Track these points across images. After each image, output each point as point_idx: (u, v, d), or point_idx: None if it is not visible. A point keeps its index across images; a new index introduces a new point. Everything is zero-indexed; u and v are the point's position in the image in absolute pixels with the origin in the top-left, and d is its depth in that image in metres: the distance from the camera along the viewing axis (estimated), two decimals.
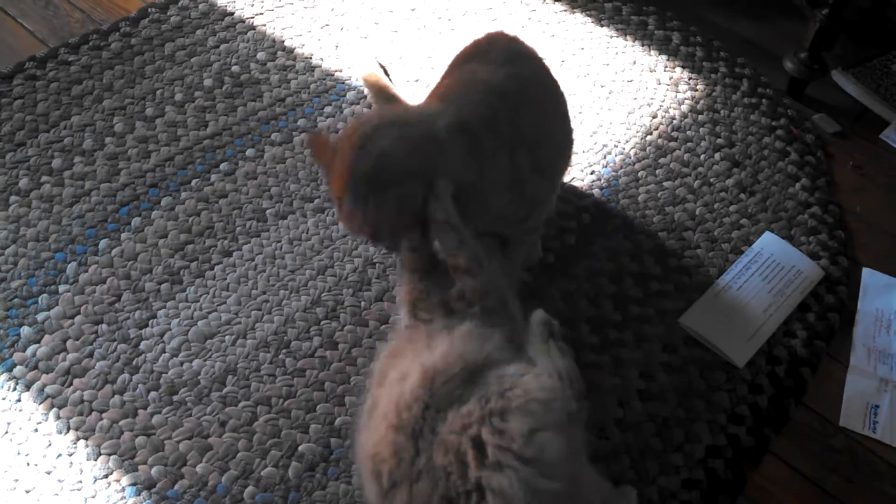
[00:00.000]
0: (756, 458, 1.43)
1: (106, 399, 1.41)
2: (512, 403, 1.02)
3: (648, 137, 1.91)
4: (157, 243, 1.62)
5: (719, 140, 1.92)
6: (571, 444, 1.04)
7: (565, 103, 1.49)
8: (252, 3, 2.12)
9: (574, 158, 1.82)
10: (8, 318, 1.50)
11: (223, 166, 1.76)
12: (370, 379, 1.15)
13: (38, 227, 1.62)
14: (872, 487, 1.41)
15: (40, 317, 1.50)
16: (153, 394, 1.42)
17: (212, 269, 1.60)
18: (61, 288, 1.54)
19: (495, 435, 1.00)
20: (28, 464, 1.33)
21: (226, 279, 1.58)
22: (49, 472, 1.32)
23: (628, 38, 2.16)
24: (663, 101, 2.00)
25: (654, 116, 1.96)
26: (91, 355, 1.46)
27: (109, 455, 1.34)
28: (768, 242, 1.72)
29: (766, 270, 1.66)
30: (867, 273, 1.71)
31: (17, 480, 1.30)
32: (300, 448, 1.37)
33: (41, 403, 1.39)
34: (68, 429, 1.37)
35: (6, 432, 1.36)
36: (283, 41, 2.04)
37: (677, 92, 2.03)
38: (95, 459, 1.34)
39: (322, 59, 2.01)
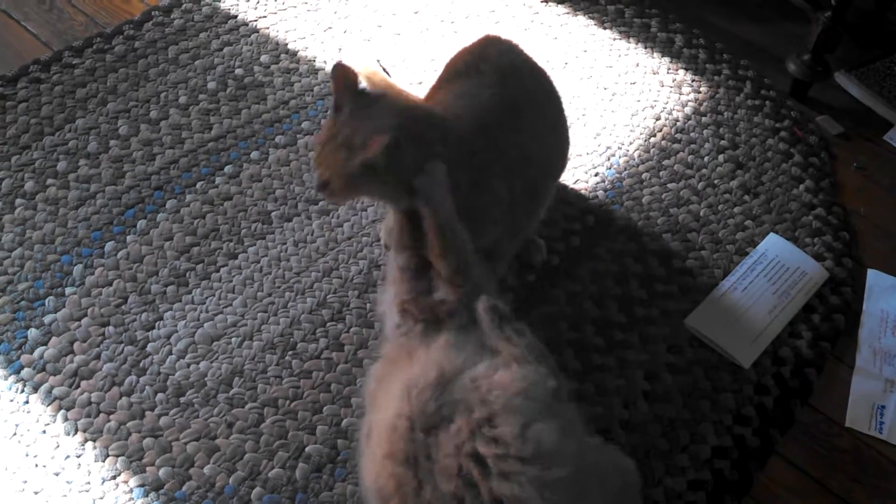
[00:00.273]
0: (762, 458, 1.43)
1: (113, 401, 1.41)
2: (495, 406, 1.01)
3: (652, 139, 1.92)
4: (162, 246, 1.62)
5: (723, 142, 1.93)
6: (564, 421, 1.04)
7: (564, 124, 1.51)
8: (255, 7, 2.13)
9: (578, 160, 1.83)
10: (15, 320, 1.50)
11: (228, 169, 1.76)
12: (364, 400, 1.15)
13: (44, 230, 1.62)
14: (878, 487, 1.42)
15: (47, 319, 1.50)
16: (160, 395, 1.42)
17: (217, 271, 1.60)
18: (68, 290, 1.54)
19: (490, 445, 0.99)
20: (36, 465, 1.33)
21: (231, 281, 1.58)
22: (57, 474, 1.32)
23: (631, 40, 2.17)
24: (667, 103, 2.01)
25: (658, 118, 1.96)
26: (98, 357, 1.46)
27: (117, 456, 1.34)
28: (773, 244, 1.72)
29: (771, 272, 1.66)
30: (872, 274, 1.71)
31: (25, 482, 1.31)
32: (307, 449, 1.37)
33: (49, 405, 1.39)
34: (76, 430, 1.37)
35: (14, 434, 1.36)
36: (287, 44, 2.04)
37: (680, 94, 2.03)
38: (103, 461, 1.34)
39: (325, 62, 2.01)
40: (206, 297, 1.56)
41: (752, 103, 2.03)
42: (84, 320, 1.51)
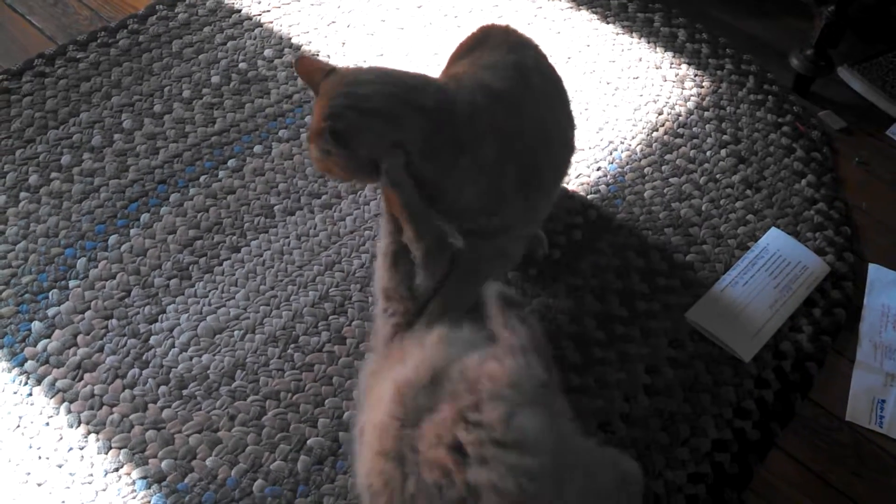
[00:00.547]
0: (762, 452, 1.43)
1: (116, 393, 1.42)
2: (482, 395, 1.00)
3: (654, 134, 1.92)
4: (165, 239, 1.63)
5: (725, 136, 1.93)
6: (551, 412, 1.03)
7: (570, 113, 1.49)
8: (259, 1, 2.13)
9: (580, 154, 1.83)
10: (19, 313, 1.51)
11: (231, 163, 1.77)
12: (357, 400, 1.16)
13: (48, 223, 1.63)
14: (878, 481, 1.42)
15: (51, 312, 1.51)
16: (163, 388, 1.43)
17: (220, 264, 1.61)
18: (71, 283, 1.55)
19: (471, 430, 0.97)
20: (40, 457, 1.33)
21: (234, 275, 1.59)
22: (60, 466, 1.33)
23: (634, 34, 2.17)
24: (669, 97, 2.01)
25: (660, 113, 1.96)
26: (101, 350, 1.47)
27: (120, 449, 1.35)
28: (774, 238, 1.72)
29: (772, 266, 1.66)
30: (873, 269, 1.71)
31: (29, 474, 1.32)
32: (309, 442, 1.38)
33: (52, 398, 1.40)
34: (79, 423, 1.38)
35: (18, 426, 1.37)
36: (291, 38, 2.05)
37: (683, 89, 2.03)
38: (106, 453, 1.35)
39: (329, 56, 2.02)
40: (209, 291, 1.56)
41: (755, 98, 2.03)
42: (87, 313, 1.51)
